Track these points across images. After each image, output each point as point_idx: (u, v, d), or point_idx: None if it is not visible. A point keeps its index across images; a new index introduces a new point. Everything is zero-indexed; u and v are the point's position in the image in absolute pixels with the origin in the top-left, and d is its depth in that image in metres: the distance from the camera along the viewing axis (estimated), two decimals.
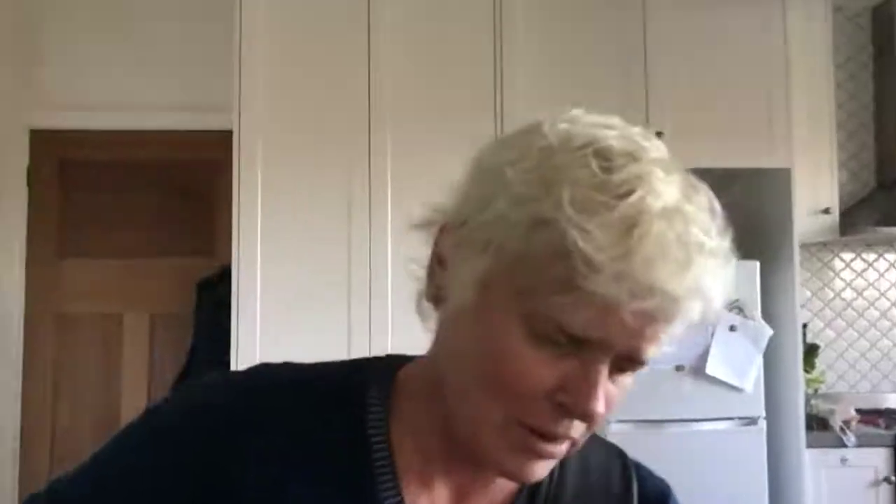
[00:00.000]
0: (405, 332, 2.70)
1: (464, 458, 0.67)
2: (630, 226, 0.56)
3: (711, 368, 2.82)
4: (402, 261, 2.82)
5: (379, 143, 2.86)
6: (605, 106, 2.68)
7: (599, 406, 0.59)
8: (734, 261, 0.63)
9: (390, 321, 2.76)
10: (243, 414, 0.67)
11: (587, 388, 0.59)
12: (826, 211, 3.30)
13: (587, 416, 0.60)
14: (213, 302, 3.05)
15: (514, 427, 0.61)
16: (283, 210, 2.81)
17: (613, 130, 0.63)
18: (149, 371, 3.23)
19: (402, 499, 0.66)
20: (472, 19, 2.95)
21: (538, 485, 0.70)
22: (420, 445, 0.68)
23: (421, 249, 0.68)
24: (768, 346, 2.90)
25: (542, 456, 0.62)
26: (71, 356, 3.22)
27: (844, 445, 2.97)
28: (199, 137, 3.19)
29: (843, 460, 2.97)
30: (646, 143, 0.63)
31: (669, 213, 0.58)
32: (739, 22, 3.10)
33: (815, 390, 3.21)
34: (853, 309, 3.63)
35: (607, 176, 0.58)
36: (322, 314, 2.78)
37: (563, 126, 0.63)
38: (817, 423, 3.06)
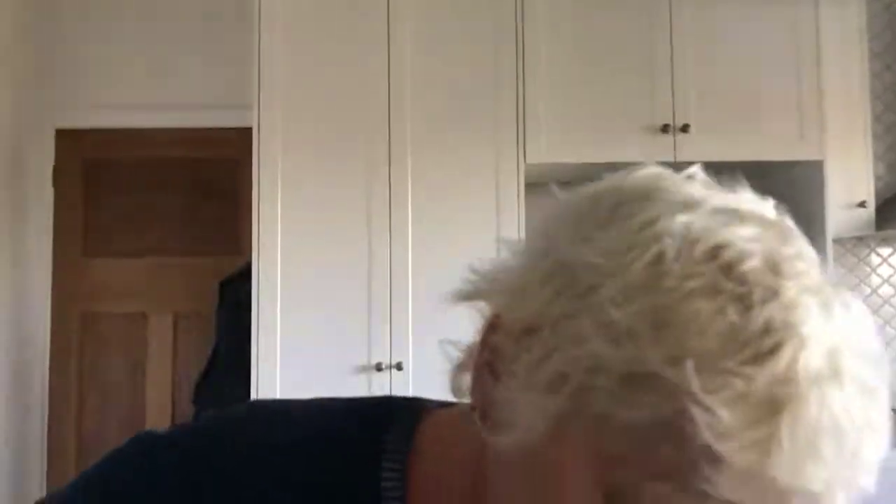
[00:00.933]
0: (426, 331, 2.68)
1: None
2: (774, 407, 0.40)
3: None
4: (420, 261, 2.82)
5: (399, 139, 2.83)
6: (631, 100, 2.64)
7: None
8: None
9: (410, 321, 2.73)
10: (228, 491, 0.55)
11: None
12: (861, 204, 3.19)
13: None
14: (234, 300, 3.04)
15: None
16: (303, 207, 2.80)
17: (750, 226, 0.46)
18: (173, 370, 3.25)
19: None
20: (494, 13, 2.90)
21: None
22: None
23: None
24: None
25: None
26: (96, 355, 3.24)
27: None
28: (222, 135, 3.19)
29: None
30: (789, 248, 0.46)
31: (825, 378, 0.41)
32: (769, 10, 3.01)
33: None
34: (890, 306, 3.51)
35: (743, 319, 0.41)
36: (342, 312, 2.76)
37: (681, 220, 0.45)
38: None
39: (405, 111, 2.83)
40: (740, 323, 0.41)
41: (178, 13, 3.29)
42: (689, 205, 0.47)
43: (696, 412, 0.39)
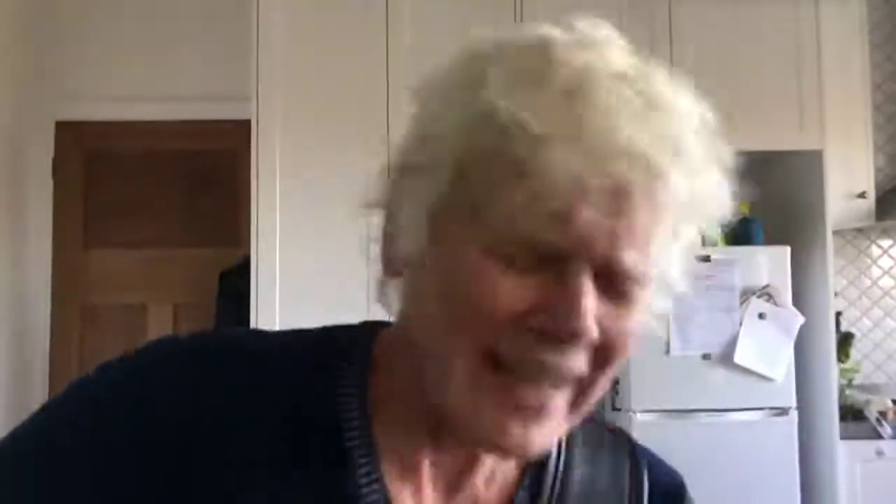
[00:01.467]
0: None
1: (454, 444, 0.57)
2: (576, 88, 0.49)
3: (740, 357, 2.74)
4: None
5: (397, 130, 2.82)
6: None
7: (585, 320, 0.49)
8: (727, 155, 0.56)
9: None
10: (197, 396, 0.57)
11: (567, 300, 0.49)
12: (862, 195, 3.19)
13: (572, 335, 0.49)
14: (234, 292, 3.04)
15: (486, 374, 0.50)
16: (301, 199, 2.80)
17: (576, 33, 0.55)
18: None
19: (385, 490, 0.56)
20: (493, 5, 2.90)
21: (540, 484, 0.61)
22: (403, 428, 0.58)
23: None
24: (800, 334, 2.81)
25: (524, 410, 0.51)
26: (96, 346, 3.24)
27: (881, 437, 2.87)
28: (221, 127, 3.19)
29: (879, 452, 2.86)
30: (598, 34, 0.55)
31: (625, 76, 0.51)
32: None
33: (850, 381, 3.11)
34: (891, 297, 3.50)
35: (546, 55, 0.52)
36: (341, 303, 2.75)
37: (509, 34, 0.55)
38: (852, 415, 2.96)
39: (403, 103, 2.83)
40: (545, 54, 0.52)
41: (177, 5, 3.29)
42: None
43: (512, 106, 0.49)
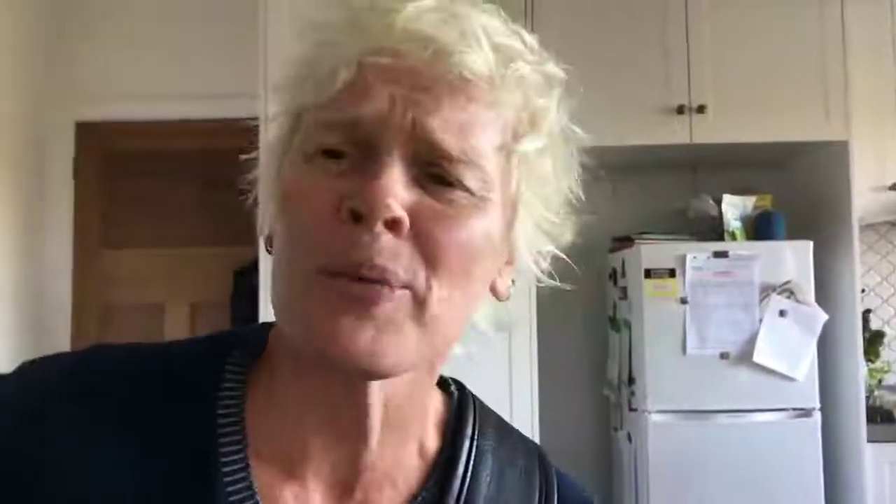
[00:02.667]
0: None
1: (346, 448, 0.56)
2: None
3: (759, 356, 2.65)
4: None
5: None
6: (645, 80, 2.52)
7: (387, 197, 0.49)
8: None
9: None
10: (67, 408, 0.55)
11: (370, 181, 0.49)
12: (892, 187, 3.06)
13: (372, 210, 0.49)
14: (248, 290, 3.04)
15: (320, 279, 0.50)
16: None
17: None
18: None
19: (254, 491, 0.54)
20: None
21: (445, 486, 0.59)
22: (288, 427, 0.56)
23: None
24: (824, 332, 2.70)
25: (353, 303, 0.49)
26: None
27: None
28: (237, 126, 3.17)
29: None
30: None
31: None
32: None
33: (880, 381, 2.98)
34: None
35: None
36: None
37: None
38: (881, 416, 2.84)
39: None
40: None
41: (192, 5, 3.31)
42: None
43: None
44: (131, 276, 3.31)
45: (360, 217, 0.49)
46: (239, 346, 0.60)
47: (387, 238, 0.49)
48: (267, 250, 0.57)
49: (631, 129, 2.79)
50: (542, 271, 0.61)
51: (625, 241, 2.90)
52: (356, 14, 0.54)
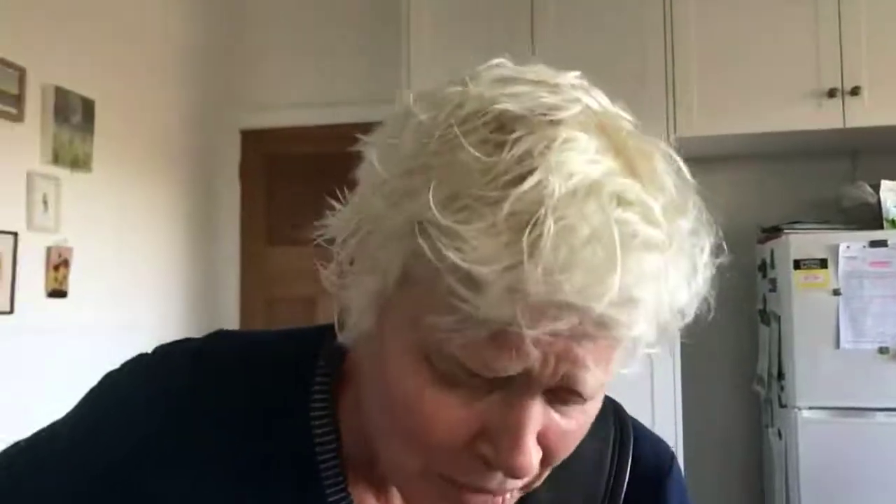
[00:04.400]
0: None
1: None
2: (522, 223, 0.41)
3: None
4: None
5: None
6: (793, 61, 2.46)
7: (526, 459, 0.46)
8: (702, 248, 0.48)
9: None
10: (169, 444, 0.57)
11: (509, 437, 0.46)
12: None
13: (513, 471, 0.46)
14: None
15: (435, 479, 0.49)
16: None
17: (522, 86, 0.47)
18: None
19: (350, 499, 0.57)
20: None
21: None
22: (369, 438, 0.56)
23: None
24: None
25: None
26: None
27: None
28: None
29: None
30: (567, 99, 0.46)
31: (582, 196, 0.42)
32: None
33: None
34: None
35: (494, 157, 0.43)
36: None
37: (452, 90, 0.48)
38: None
39: None
40: (496, 158, 0.43)
41: (337, 18, 3.51)
42: (472, 77, 0.49)
43: (448, 244, 0.41)
44: (291, 271, 3.55)
45: (492, 463, 0.47)
46: (325, 349, 0.59)
47: (517, 482, 0.49)
48: (337, 328, 0.53)
49: (779, 115, 2.69)
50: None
51: (774, 232, 2.79)
52: (516, 278, 0.41)
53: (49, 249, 2.57)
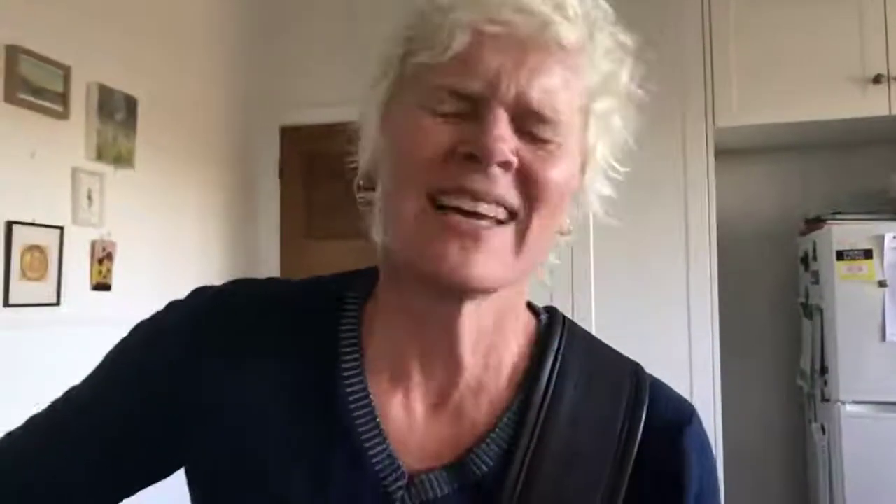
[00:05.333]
0: (629, 304, 2.63)
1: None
2: None
3: None
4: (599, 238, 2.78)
5: None
6: (836, 47, 2.46)
7: (497, 141, 0.57)
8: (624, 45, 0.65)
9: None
10: (214, 335, 0.68)
11: (483, 129, 0.58)
12: None
13: (490, 151, 0.57)
14: None
15: (431, 214, 0.59)
16: None
17: None
18: None
19: (369, 396, 0.64)
20: None
21: (529, 406, 0.64)
22: (394, 348, 0.66)
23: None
24: None
25: (461, 236, 0.58)
26: None
27: None
28: None
29: None
30: None
31: None
32: None
33: None
34: None
35: None
36: None
37: None
38: None
39: None
40: None
41: (376, 17, 3.53)
42: None
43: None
44: (329, 265, 3.57)
45: (474, 159, 0.58)
46: (357, 282, 0.72)
47: (500, 174, 0.58)
48: (357, 194, 0.69)
49: (822, 103, 2.64)
50: (604, 212, 0.68)
51: (816, 223, 2.73)
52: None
53: (94, 243, 2.63)
